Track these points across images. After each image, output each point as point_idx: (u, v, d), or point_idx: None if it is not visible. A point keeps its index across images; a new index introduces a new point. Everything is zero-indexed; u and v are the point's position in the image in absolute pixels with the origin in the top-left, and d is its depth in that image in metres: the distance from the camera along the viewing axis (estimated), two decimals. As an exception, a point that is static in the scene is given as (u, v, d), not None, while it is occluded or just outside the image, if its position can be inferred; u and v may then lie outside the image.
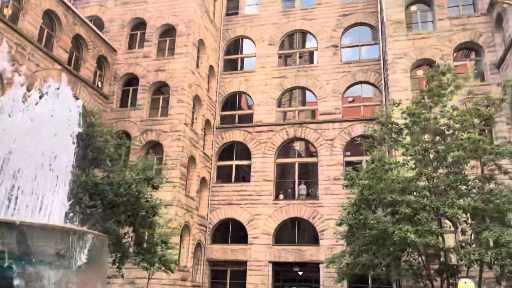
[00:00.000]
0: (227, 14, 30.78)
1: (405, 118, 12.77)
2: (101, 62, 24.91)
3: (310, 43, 28.95)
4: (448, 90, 12.52)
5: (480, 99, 12.50)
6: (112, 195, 12.45)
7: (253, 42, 29.18)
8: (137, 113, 24.07)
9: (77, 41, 22.91)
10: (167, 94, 24.37)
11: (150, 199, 14.04)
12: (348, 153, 25.45)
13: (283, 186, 26.36)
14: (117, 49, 25.70)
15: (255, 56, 28.81)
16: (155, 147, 23.62)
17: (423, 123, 12.40)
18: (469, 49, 22.70)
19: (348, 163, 24.35)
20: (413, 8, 23.98)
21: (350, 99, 27.03)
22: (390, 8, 23.27)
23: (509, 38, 19.21)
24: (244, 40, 29.87)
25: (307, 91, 27.61)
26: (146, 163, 14.33)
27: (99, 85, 24.74)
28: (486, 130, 19.02)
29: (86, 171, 12.65)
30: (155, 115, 24.38)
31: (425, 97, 12.88)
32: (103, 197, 12.68)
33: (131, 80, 25.46)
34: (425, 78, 13.09)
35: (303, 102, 28.21)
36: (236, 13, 30.56)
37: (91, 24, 23.83)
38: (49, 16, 20.99)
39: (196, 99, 25.41)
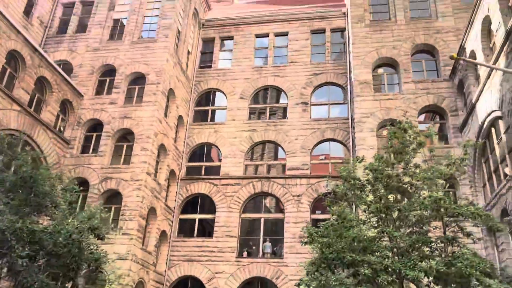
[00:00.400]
0: (201, 67, 31.04)
1: (368, 174, 12.48)
2: (66, 106, 24.24)
3: (281, 99, 29.21)
4: (411, 147, 12.41)
5: (441, 158, 12.38)
6: (51, 245, 11.32)
7: (225, 95, 29.24)
8: (98, 159, 23.14)
9: (41, 83, 22.33)
10: (132, 142, 23.67)
11: (95, 251, 12.88)
12: (318, 212, 24.89)
13: (248, 243, 25.30)
14: (84, 94, 25.18)
15: (226, 108, 28.75)
16: (114, 196, 22.55)
17: (385, 180, 12.12)
18: (433, 112, 23.20)
19: (315, 221, 23.69)
20: (380, 70, 24.66)
21: (321, 157, 26.96)
22: (358, 69, 23.86)
23: (470, 103, 19.73)
24: (216, 92, 29.94)
25: (276, 146, 27.41)
26: (92, 210, 13.29)
27: (61, 129, 23.87)
28: (451, 192, 18.96)
29: (25, 217, 11.55)
30: (117, 162, 23.48)
31: (388, 153, 12.71)
32: (42, 247, 11.53)
33: (96, 126, 24.74)
34: (388, 134, 12.96)
35: (272, 157, 27.91)
36: (210, 66, 30.85)
37: (58, 68, 23.41)
38: (13, 57, 20.48)
39: (162, 149, 24.76)
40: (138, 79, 25.84)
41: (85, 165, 23.16)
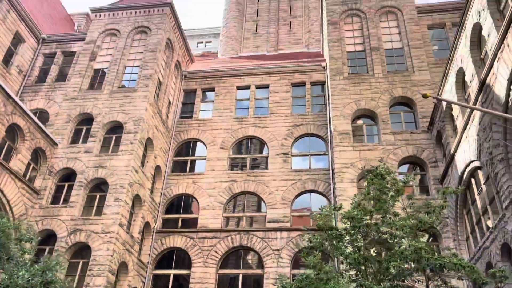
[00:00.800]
0: (182, 117, 30.86)
1: (345, 223, 11.88)
2: (38, 154, 23.45)
3: (262, 150, 28.88)
4: (389, 195, 11.97)
5: (421, 206, 11.91)
6: (0, 302, 10.20)
7: (205, 145, 28.86)
8: (69, 211, 22.04)
9: (14, 131, 21.67)
10: (106, 192, 22.73)
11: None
12: (299, 267, 23.79)
13: (225, 301, 23.84)
14: (59, 142, 24.50)
15: (205, 158, 28.25)
16: (83, 250, 21.27)
17: (363, 229, 11.53)
18: (413, 163, 23.07)
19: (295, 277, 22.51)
20: (360, 121, 24.75)
21: (300, 208, 26.25)
22: (337, 120, 23.92)
23: (449, 153, 19.66)
24: (196, 142, 29.55)
25: (256, 197, 26.69)
26: (48, 262, 12.18)
27: (31, 179, 22.91)
28: (433, 246, 18.35)
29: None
30: (88, 214, 22.40)
31: (366, 200, 12.22)
32: (-11, 304, 10.40)
33: (70, 176, 23.84)
34: (365, 181, 12.54)
35: (252, 208, 27.09)
36: (191, 117, 30.69)
37: (32, 115, 22.85)
38: (-15, 103, 19.98)
39: (137, 199, 23.84)
40: (116, 128, 25.38)
41: (54, 217, 22.00)
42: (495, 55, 14.00)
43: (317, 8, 43.24)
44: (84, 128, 25.69)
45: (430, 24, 28.14)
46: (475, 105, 16.24)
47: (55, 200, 23.15)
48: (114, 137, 25.01)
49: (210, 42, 64.79)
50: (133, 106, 25.45)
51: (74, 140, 25.30)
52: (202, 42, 66.52)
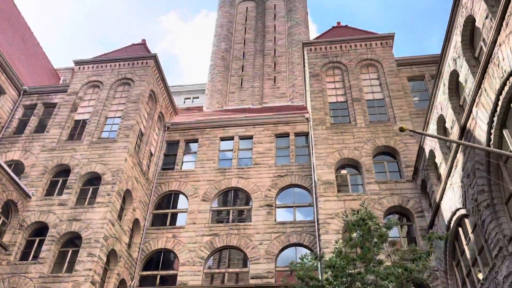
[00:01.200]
0: (163, 169, 30.19)
1: (326, 272, 11.09)
2: (9, 207, 22.38)
3: (245, 202, 28.09)
4: (373, 241, 11.31)
5: (405, 251, 11.23)
6: None
7: (186, 197, 28.01)
8: (38, 267, 20.66)
9: (-16, 182, 20.77)
10: (80, 247, 21.49)
11: None
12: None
13: None
14: (32, 195, 23.51)
15: (186, 211, 27.29)
16: (51, 310, 19.69)
17: (347, 279, 10.73)
18: (399, 213, 22.48)
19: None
20: (344, 171, 24.39)
21: (284, 266, 25.08)
22: (321, 169, 23.53)
23: (435, 203, 19.18)
24: (178, 195, 28.68)
25: (239, 252, 25.52)
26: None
27: (0, 233, 21.65)
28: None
29: None
30: (59, 271, 20.99)
31: (349, 247, 11.50)
32: None
33: (41, 230, 22.62)
34: (347, 227, 11.89)
35: (235, 263, 25.82)
36: (173, 168, 30.06)
37: (5, 167, 22.00)
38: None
39: (112, 255, 22.56)
40: (94, 180, 24.57)
41: (21, 274, 20.56)
42: (473, 100, 13.99)
43: (300, 63, 44.31)
44: (61, 179, 24.83)
45: (410, 76, 28.74)
46: (457, 152, 16.06)
47: (24, 256, 21.77)
48: (91, 189, 24.12)
49: (198, 98, 65.49)
50: (112, 157, 24.83)
51: (49, 192, 24.33)
52: (189, 98, 67.25)
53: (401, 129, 10.74)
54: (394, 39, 29.88)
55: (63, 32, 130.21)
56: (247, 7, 56.23)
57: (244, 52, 50.32)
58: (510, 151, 12.21)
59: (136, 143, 27.01)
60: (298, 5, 54.65)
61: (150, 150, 29.07)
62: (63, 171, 25.16)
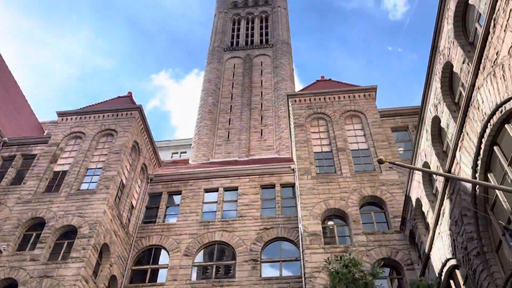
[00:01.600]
0: (145, 222, 29.10)
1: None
2: (-24, 263, 21.01)
3: (229, 256, 26.87)
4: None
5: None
6: None
7: (167, 252, 26.76)
8: (1, 329, 19.05)
9: (-50, 235, 19.60)
10: (50, 306, 20.02)
11: None
12: None
13: None
14: (4, 250, 22.21)
15: (167, 267, 25.93)
16: None
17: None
18: (389, 266, 21.52)
19: None
20: (330, 222, 23.65)
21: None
22: (307, 220, 22.81)
23: (424, 254, 18.44)
24: (158, 249, 27.41)
25: (222, 310, 24.04)
26: None
27: (-36, 292, 20.18)
28: None
29: None
30: (25, 333, 19.36)
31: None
32: None
33: (11, 287, 21.18)
34: (330, 275, 11.09)
35: (217, 324, 24.21)
36: (154, 221, 28.99)
37: (-25, 218, 20.96)
38: None
39: (85, 315, 21.00)
40: (70, 233, 23.42)
41: (-17, 337, 18.88)
42: (456, 144, 13.79)
43: (286, 117, 44.70)
44: (34, 233, 23.64)
45: (394, 127, 28.88)
46: (443, 199, 15.64)
47: (-12, 317, 20.18)
48: (66, 243, 22.93)
49: (185, 152, 65.26)
50: (90, 209, 23.88)
51: (22, 247, 23.04)
52: (177, 153, 67.05)
53: (380, 161, 10.36)
54: (376, 91, 30.36)
55: (56, 90, 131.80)
56: (234, 64, 57.63)
57: (231, 106, 50.85)
58: (496, 195, 11.83)
59: (117, 195, 26.16)
60: (284, 62, 56.22)
61: (131, 202, 28.15)
62: (38, 224, 24.04)
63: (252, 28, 64.06)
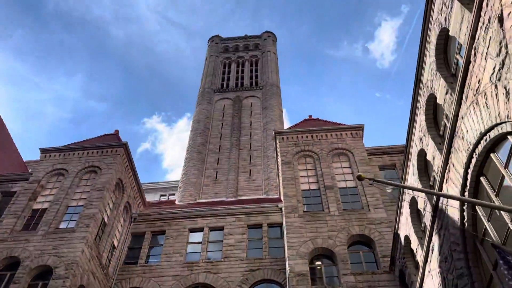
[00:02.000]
0: (126, 263, 27.91)
1: None
2: None
3: (213, 300, 25.63)
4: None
5: None
6: None
7: (148, 295, 25.48)
8: None
9: None
10: None
11: None
12: None
13: None
14: (-28, 291, 20.95)
15: (147, 311, 24.59)
16: None
17: None
18: (379, 309, 20.61)
19: None
20: (318, 262, 22.83)
21: None
22: (293, 260, 21.99)
23: (416, 294, 17.67)
24: (139, 293, 26.11)
25: None
26: None
27: None
28: None
29: None
30: None
31: None
32: None
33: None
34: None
35: None
36: (136, 263, 27.80)
37: None
38: None
39: None
40: (46, 274, 22.27)
41: None
42: (443, 177, 13.51)
43: (275, 157, 44.48)
44: (8, 274, 22.42)
45: (381, 165, 28.70)
46: (432, 234, 15.16)
47: None
48: (40, 284, 21.72)
49: (173, 194, 64.23)
50: (67, 248, 22.85)
51: (-7, 289, 21.78)
52: (165, 195, 65.93)
53: (359, 177, 9.97)
54: (363, 130, 30.41)
55: (46, 132, 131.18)
56: (224, 105, 58.09)
57: (220, 145, 50.67)
58: (485, 229, 11.42)
59: (97, 233, 25.18)
60: (273, 103, 56.85)
61: (112, 242, 27.08)
62: (13, 263, 22.85)
63: (242, 71, 65.22)
